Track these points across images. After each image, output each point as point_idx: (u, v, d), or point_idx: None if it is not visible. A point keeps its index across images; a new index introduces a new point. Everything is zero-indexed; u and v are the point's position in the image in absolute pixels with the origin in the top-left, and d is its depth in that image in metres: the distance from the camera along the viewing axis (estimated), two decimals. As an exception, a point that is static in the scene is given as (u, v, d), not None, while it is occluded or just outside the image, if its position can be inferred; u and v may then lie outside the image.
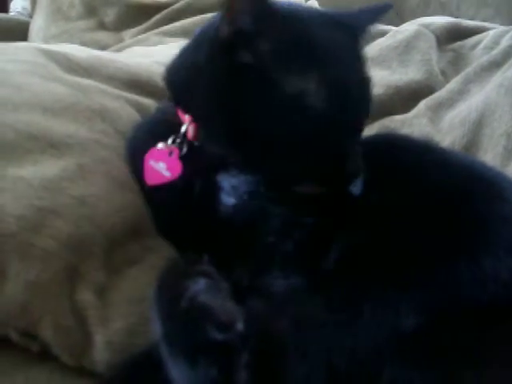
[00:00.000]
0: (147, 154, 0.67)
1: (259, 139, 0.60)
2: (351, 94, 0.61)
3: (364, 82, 0.64)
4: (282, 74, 0.58)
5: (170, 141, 0.67)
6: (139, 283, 0.60)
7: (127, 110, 0.81)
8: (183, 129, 0.66)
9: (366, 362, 0.46)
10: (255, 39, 0.58)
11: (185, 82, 0.66)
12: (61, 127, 0.69)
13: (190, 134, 0.66)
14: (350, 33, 0.64)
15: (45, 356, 0.58)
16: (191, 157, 0.66)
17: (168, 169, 0.66)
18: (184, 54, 0.68)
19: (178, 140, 0.67)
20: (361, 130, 0.64)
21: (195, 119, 0.65)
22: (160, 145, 0.67)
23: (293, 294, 0.55)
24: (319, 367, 0.46)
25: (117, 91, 0.85)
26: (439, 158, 0.67)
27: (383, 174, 0.64)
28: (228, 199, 0.63)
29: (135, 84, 0.90)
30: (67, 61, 0.88)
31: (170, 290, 0.50)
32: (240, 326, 0.45)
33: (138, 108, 0.84)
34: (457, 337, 0.48)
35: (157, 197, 0.68)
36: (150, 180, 0.67)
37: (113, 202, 0.64)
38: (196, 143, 0.66)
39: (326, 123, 0.59)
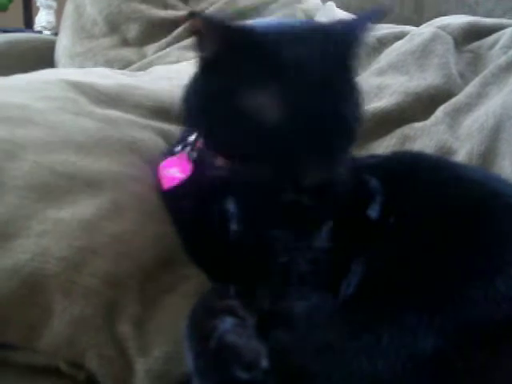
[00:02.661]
0: (161, 166, 0.74)
1: (227, 143, 0.65)
2: (307, 113, 0.61)
3: (331, 99, 0.63)
4: (242, 87, 0.62)
5: (178, 148, 0.74)
6: (174, 312, 0.64)
7: (154, 139, 0.85)
8: (191, 138, 0.73)
9: None
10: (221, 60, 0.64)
11: (185, 98, 0.71)
12: (94, 164, 0.73)
13: (200, 144, 0.72)
14: (337, 44, 0.65)
15: (91, 383, 0.63)
16: (202, 162, 0.71)
17: (180, 171, 0.72)
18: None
19: (187, 147, 0.73)
20: (326, 148, 0.63)
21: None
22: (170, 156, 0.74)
23: (314, 321, 0.58)
24: None
25: (143, 120, 0.89)
26: (452, 176, 0.69)
27: (399, 197, 0.66)
28: (234, 223, 0.67)
29: (160, 110, 0.94)
30: (95, 91, 0.93)
31: (199, 328, 0.54)
32: (264, 363, 0.50)
33: (164, 135, 0.88)
34: (472, 358, 0.50)
35: (182, 222, 0.72)
36: (167, 184, 0.73)
37: (146, 235, 0.69)
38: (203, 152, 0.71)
39: (277, 137, 0.61)
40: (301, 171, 0.62)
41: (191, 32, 0.64)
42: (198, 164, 0.72)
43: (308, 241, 0.64)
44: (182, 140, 0.77)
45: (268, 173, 0.63)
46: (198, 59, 0.67)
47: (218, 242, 0.67)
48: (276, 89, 0.61)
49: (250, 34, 0.63)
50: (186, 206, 0.71)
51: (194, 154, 0.72)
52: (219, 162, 0.68)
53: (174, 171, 0.73)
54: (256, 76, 0.62)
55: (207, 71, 0.67)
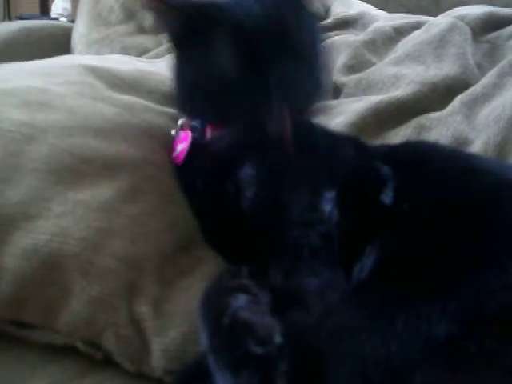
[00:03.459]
0: (170, 150, 0.78)
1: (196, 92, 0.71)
2: (251, 36, 0.66)
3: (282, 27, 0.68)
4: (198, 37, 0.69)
5: (173, 132, 0.80)
6: (191, 293, 0.65)
7: (171, 125, 0.85)
8: (179, 122, 0.79)
9: (399, 370, 0.50)
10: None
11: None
12: (112, 148, 0.73)
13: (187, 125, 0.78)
14: None
15: (108, 362, 0.64)
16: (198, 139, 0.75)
17: (181, 141, 0.77)
18: None
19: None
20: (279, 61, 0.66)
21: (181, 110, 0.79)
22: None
23: (327, 300, 0.59)
24: (355, 375, 0.50)
25: (159, 106, 0.90)
26: (466, 166, 0.69)
27: (413, 184, 0.67)
28: (248, 192, 0.68)
29: (175, 97, 0.95)
30: (112, 77, 0.94)
31: (213, 307, 0.55)
32: (278, 338, 0.50)
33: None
34: (486, 345, 0.51)
35: (195, 200, 0.74)
36: (177, 159, 0.77)
37: (163, 217, 0.69)
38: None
39: (236, 67, 0.66)
40: (270, 95, 0.65)
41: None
42: (197, 141, 0.75)
43: (317, 210, 0.65)
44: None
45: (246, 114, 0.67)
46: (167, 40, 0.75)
47: (231, 216, 0.68)
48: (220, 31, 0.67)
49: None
50: (198, 183, 0.73)
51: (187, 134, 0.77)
52: (211, 132, 0.73)
53: (178, 146, 0.77)
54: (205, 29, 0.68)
55: (176, 48, 0.73)
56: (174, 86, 0.76)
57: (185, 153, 0.75)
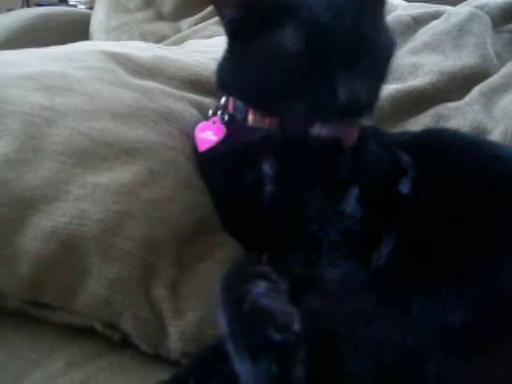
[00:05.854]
0: (196, 130, 0.77)
1: (261, 87, 0.69)
2: (327, 33, 0.64)
3: (348, 18, 0.66)
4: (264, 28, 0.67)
5: (210, 112, 0.78)
6: (208, 278, 0.66)
7: (190, 110, 0.85)
8: (222, 101, 0.76)
9: (414, 356, 0.50)
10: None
11: (220, 67, 0.77)
12: (130, 133, 0.74)
13: (230, 106, 0.75)
14: None
15: (125, 344, 0.65)
16: (233, 125, 0.74)
17: (214, 134, 0.75)
18: None
19: (219, 111, 0.76)
20: (350, 60, 0.65)
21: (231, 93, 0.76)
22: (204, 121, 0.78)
23: (345, 288, 0.59)
24: (370, 361, 0.50)
25: (179, 92, 0.90)
26: (487, 154, 0.69)
27: (431, 172, 0.67)
28: (269, 184, 0.68)
29: (196, 83, 0.95)
30: (132, 63, 0.94)
31: (233, 293, 0.55)
32: (297, 326, 0.50)
33: (199, 107, 0.89)
34: (501, 332, 0.51)
35: (216, 186, 0.74)
36: (202, 146, 0.75)
37: (181, 202, 0.70)
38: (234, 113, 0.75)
39: (306, 61, 0.65)
40: (336, 88, 0.63)
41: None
42: (231, 127, 0.74)
43: (338, 207, 0.65)
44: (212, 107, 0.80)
45: (302, 107, 0.66)
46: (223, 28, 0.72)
47: (251, 206, 0.69)
48: (294, 24, 0.65)
49: None
50: (220, 170, 0.73)
51: (226, 117, 0.76)
52: (252, 118, 0.72)
53: (208, 134, 0.76)
54: (274, 20, 0.66)
55: (233, 34, 0.72)
56: (230, 65, 0.75)
57: (216, 143, 0.74)
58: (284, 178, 0.68)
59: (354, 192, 0.66)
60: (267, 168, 0.68)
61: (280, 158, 0.69)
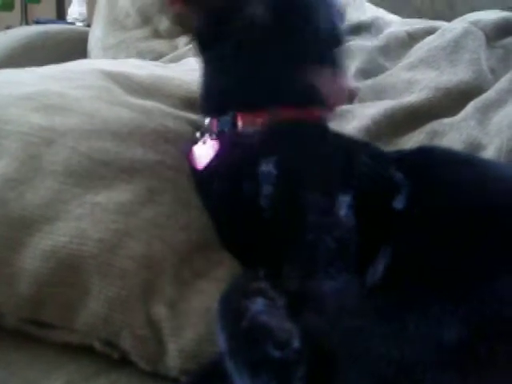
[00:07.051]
0: (190, 153, 0.78)
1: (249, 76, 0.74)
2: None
3: None
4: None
5: (197, 134, 0.79)
6: (207, 295, 0.66)
7: (186, 129, 0.86)
8: (206, 121, 0.78)
9: (411, 372, 0.50)
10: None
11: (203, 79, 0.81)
12: (129, 152, 0.75)
13: (214, 125, 0.77)
14: None
15: (124, 362, 0.65)
16: (224, 137, 0.75)
17: (208, 151, 0.76)
18: None
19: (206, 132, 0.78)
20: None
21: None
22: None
23: (342, 304, 0.59)
24: (368, 377, 0.51)
25: (176, 111, 0.91)
26: (480, 172, 0.70)
27: (424, 189, 0.68)
28: (266, 190, 0.68)
29: (193, 101, 0.96)
30: (129, 81, 0.95)
31: (231, 310, 0.56)
32: (296, 343, 0.51)
33: (196, 126, 0.90)
34: (497, 349, 0.51)
35: (214, 206, 0.74)
36: (199, 165, 0.76)
37: (179, 220, 0.71)
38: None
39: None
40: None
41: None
42: (223, 140, 0.75)
43: (333, 211, 0.65)
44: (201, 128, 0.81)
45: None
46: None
47: (249, 216, 0.69)
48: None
49: None
50: (218, 182, 0.73)
51: (214, 135, 0.76)
52: (243, 122, 0.74)
53: (203, 152, 0.77)
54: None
55: (206, 42, 0.77)
56: (205, 84, 0.79)
57: (209, 160, 0.75)
58: (289, 174, 0.68)
59: (346, 199, 0.67)
60: (268, 168, 0.68)
61: (276, 161, 0.69)
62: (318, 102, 0.75)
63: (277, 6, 0.70)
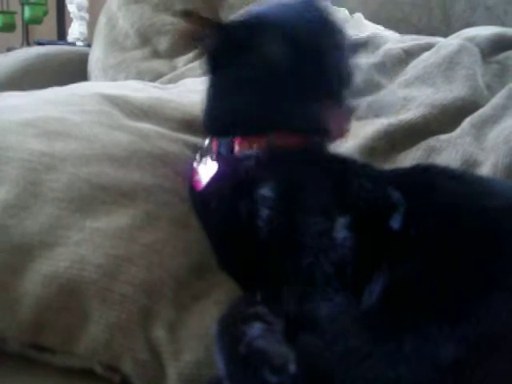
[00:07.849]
0: (190, 176, 0.79)
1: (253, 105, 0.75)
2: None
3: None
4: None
5: (197, 156, 0.80)
6: (205, 318, 0.66)
7: (185, 152, 0.87)
8: (206, 142, 0.80)
9: None
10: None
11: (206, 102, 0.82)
12: (127, 176, 0.76)
13: (214, 145, 0.78)
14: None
15: (125, 385, 0.66)
16: (223, 160, 0.76)
17: (206, 173, 0.77)
18: None
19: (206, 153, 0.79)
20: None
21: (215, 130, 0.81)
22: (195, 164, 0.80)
23: (339, 325, 0.60)
24: None
25: (174, 133, 0.92)
26: (476, 190, 0.71)
27: (421, 208, 0.68)
28: (263, 213, 0.68)
29: (190, 124, 0.97)
30: (128, 105, 0.97)
31: (229, 335, 0.57)
32: (292, 367, 0.52)
33: (194, 148, 0.91)
34: (493, 368, 0.52)
35: (211, 227, 0.75)
36: (197, 187, 0.77)
37: (178, 243, 0.72)
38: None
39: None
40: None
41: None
42: (221, 162, 0.76)
43: (330, 233, 0.66)
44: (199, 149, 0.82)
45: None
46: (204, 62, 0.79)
47: (246, 238, 0.69)
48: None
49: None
50: (215, 204, 0.74)
51: (214, 156, 0.77)
52: (239, 147, 0.75)
53: (202, 174, 0.78)
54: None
55: (215, 63, 0.78)
56: (211, 102, 0.80)
57: (209, 181, 0.76)
58: (286, 197, 0.69)
59: (343, 221, 0.67)
60: (265, 191, 0.69)
61: (273, 184, 0.70)
62: (319, 132, 0.76)
63: (294, 47, 0.72)
